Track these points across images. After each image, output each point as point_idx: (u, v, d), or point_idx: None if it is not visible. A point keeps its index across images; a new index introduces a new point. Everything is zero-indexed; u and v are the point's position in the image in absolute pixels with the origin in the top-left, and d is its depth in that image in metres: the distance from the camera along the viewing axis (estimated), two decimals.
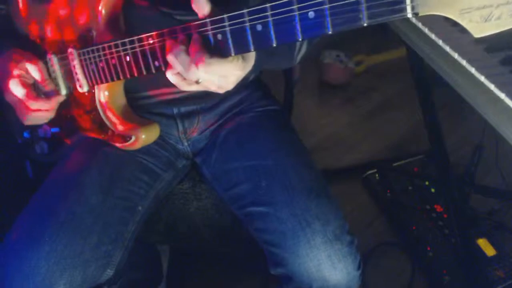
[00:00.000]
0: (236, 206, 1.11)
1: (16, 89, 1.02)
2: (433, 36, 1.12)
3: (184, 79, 0.85)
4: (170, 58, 0.83)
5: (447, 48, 1.07)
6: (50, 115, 1.08)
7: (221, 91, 0.88)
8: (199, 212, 1.30)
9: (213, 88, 0.86)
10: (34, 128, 1.19)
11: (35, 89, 1.06)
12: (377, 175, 2.05)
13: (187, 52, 0.81)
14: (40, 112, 1.05)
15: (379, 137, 2.27)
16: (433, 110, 1.53)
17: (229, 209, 1.16)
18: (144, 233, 1.16)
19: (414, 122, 2.21)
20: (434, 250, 1.73)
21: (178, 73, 0.84)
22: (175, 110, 1.18)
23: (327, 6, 0.69)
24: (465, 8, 0.60)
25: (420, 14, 0.63)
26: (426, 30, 1.14)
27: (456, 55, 1.04)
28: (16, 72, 1.03)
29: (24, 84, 1.03)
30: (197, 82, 0.84)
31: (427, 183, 1.96)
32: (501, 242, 1.71)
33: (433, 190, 1.94)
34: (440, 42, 1.09)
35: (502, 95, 0.93)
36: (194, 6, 0.80)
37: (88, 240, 1.00)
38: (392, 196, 1.95)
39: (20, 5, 1.10)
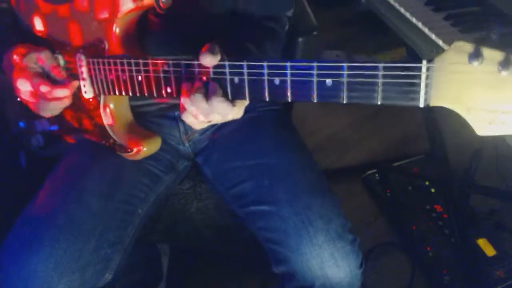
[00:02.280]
0: (238, 205, 1.11)
1: (28, 81, 0.99)
2: (433, 37, 1.12)
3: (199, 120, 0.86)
4: (188, 107, 0.83)
5: (447, 48, 1.06)
6: (69, 101, 1.04)
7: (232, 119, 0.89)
8: (199, 212, 1.30)
9: (226, 120, 0.87)
10: (31, 120, 1.17)
11: (47, 78, 1.02)
12: (377, 175, 2.05)
13: (206, 98, 0.81)
14: (59, 101, 1.02)
15: (379, 137, 2.27)
16: (433, 110, 1.53)
17: (230, 209, 1.16)
18: (144, 233, 1.16)
19: (414, 122, 2.21)
20: (434, 250, 1.73)
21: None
22: (177, 113, 1.18)
23: (345, 80, 0.71)
24: (472, 107, 0.63)
25: (431, 105, 0.67)
26: (426, 31, 1.14)
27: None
28: (24, 63, 1.00)
29: (36, 74, 1.00)
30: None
31: (427, 183, 1.96)
32: (501, 242, 1.71)
33: (433, 190, 1.94)
34: (440, 43, 1.09)
35: None
36: (201, 59, 0.80)
37: (87, 245, 0.99)
38: (392, 196, 1.95)
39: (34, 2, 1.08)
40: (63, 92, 1.01)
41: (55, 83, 1.01)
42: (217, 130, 1.22)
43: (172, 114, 1.19)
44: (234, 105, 0.82)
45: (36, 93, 1.00)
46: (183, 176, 1.27)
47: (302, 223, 0.99)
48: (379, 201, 1.98)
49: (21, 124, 1.19)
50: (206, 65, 0.81)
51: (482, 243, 1.71)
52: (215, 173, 1.18)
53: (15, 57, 1.02)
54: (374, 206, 1.97)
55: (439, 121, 1.57)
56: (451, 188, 1.62)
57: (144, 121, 1.14)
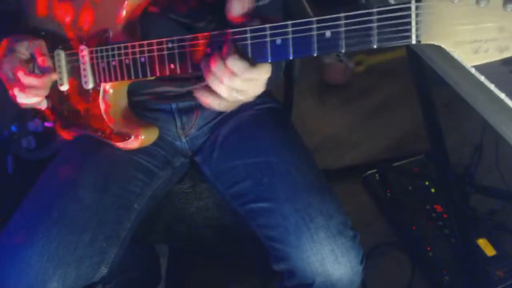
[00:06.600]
0: (238, 203, 1.12)
1: (9, 62, 1.02)
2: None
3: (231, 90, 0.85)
4: (216, 71, 0.83)
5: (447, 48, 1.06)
6: (43, 93, 1.07)
7: (253, 97, 0.89)
8: (199, 212, 1.30)
9: (250, 94, 0.88)
10: (24, 122, 1.18)
11: (30, 66, 1.05)
12: (377, 175, 2.05)
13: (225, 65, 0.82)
14: (33, 89, 1.04)
15: (379, 137, 2.27)
16: (433, 110, 1.53)
17: (230, 208, 1.16)
18: (143, 233, 1.16)
19: (414, 122, 2.21)
20: (434, 250, 1.73)
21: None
22: (174, 106, 1.19)
23: (343, 29, 0.77)
24: (459, 41, 0.71)
25: (422, 43, 0.73)
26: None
27: (456, 55, 1.04)
28: (14, 47, 1.03)
29: (18, 59, 1.02)
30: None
31: (427, 183, 1.96)
32: (501, 242, 1.71)
33: (433, 190, 1.94)
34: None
35: (502, 95, 0.92)
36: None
37: (82, 237, 1.00)
38: (392, 196, 1.95)
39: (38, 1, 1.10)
40: (36, 81, 1.03)
41: (33, 71, 1.04)
42: (214, 127, 1.22)
43: (169, 107, 1.19)
44: (251, 65, 0.82)
45: (14, 77, 1.03)
46: (181, 174, 1.27)
47: (303, 219, 0.99)
48: (379, 201, 1.98)
49: (13, 128, 1.20)
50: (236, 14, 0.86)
51: (482, 243, 1.71)
52: (215, 172, 1.19)
53: (10, 40, 1.04)
54: (374, 206, 1.97)
55: (439, 121, 1.56)
56: (451, 188, 1.62)
57: (141, 115, 1.15)
